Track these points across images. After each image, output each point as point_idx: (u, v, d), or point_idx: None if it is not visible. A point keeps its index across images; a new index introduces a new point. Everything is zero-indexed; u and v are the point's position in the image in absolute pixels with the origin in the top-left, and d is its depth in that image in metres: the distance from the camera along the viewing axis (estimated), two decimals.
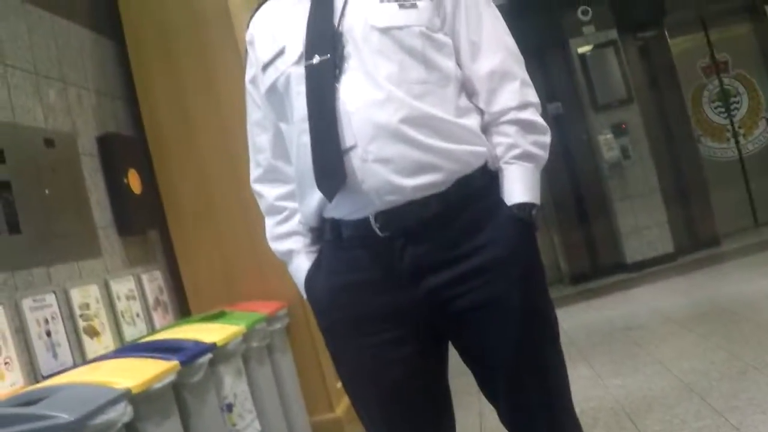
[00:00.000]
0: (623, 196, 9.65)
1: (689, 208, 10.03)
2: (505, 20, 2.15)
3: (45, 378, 3.23)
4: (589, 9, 9.72)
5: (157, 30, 4.84)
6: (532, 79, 2.12)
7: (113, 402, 2.54)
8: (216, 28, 4.77)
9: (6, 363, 3.13)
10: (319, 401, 4.71)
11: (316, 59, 1.95)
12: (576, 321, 7.71)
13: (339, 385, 4.63)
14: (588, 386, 5.17)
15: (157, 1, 4.85)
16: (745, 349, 5.12)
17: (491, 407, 2.15)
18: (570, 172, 9.98)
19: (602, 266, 9.97)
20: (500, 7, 2.20)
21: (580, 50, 9.77)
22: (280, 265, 2.34)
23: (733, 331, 5.74)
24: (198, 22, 4.80)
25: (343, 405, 4.75)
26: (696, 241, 9.93)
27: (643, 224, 9.60)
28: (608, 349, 6.27)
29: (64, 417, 2.36)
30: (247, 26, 2.26)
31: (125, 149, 4.58)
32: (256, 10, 2.26)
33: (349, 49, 1.95)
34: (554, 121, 9.34)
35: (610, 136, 9.57)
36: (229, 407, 3.55)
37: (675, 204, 9.89)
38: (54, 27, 4.18)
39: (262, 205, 2.30)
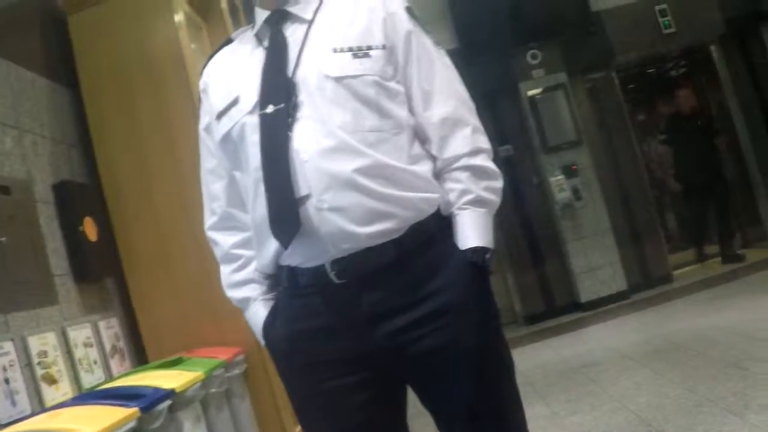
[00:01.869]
0: (576, 237, 9.74)
1: (641, 247, 10.13)
2: (456, 65, 2.21)
3: (4, 426, 3.20)
4: (539, 53, 9.85)
5: (112, 78, 4.85)
6: (483, 123, 2.17)
7: None
8: (171, 76, 4.78)
9: None
10: None
11: (270, 108, 1.98)
12: (532, 361, 7.75)
13: (298, 430, 4.63)
14: (546, 425, 5.21)
15: (111, 49, 4.85)
16: (698, 383, 5.19)
17: None
18: (522, 213, 10.05)
19: (556, 306, 10.01)
20: (451, 52, 2.25)
21: (530, 93, 9.88)
22: (236, 311, 2.35)
23: (686, 366, 5.81)
24: (153, 70, 4.82)
25: None
26: (648, 279, 10.02)
27: (596, 263, 9.68)
28: (565, 387, 6.31)
29: None
30: (201, 74, 2.29)
31: (81, 196, 4.57)
32: (210, 57, 2.29)
33: (302, 97, 1.98)
34: (505, 164, 9.41)
35: (561, 177, 9.66)
36: None
37: (627, 243, 9.99)
38: (10, 74, 4.18)
39: (218, 253, 2.31)
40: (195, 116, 2.35)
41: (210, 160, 2.27)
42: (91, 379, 4.11)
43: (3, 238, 3.68)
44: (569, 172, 9.69)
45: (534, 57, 9.85)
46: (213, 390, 3.98)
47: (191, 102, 4.62)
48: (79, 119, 4.90)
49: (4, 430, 2.93)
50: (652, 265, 10.15)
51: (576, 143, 9.79)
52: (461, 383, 2.02)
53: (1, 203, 3.78)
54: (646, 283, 9.95)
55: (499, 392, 2.09)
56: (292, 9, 2.12)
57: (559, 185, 9.67)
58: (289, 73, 2.01)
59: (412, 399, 2.14)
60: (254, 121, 2.01)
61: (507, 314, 9.85)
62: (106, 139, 4.86)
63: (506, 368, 2.12)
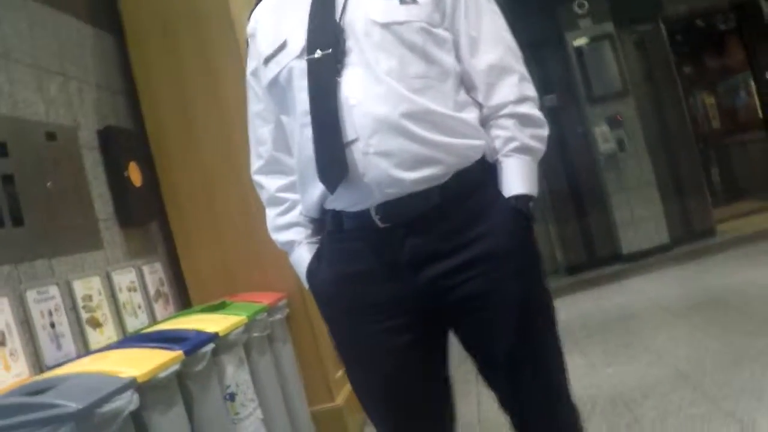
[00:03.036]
0: (619, 188, 9.67)
1: (684, 200, 10.05)
2: (502, 13, 2.19)
3: (50, 369, 3.25)
4: (585, 2, 9.73)
5: (156, 24, 4.86)
6: (528, 71, 2.16)
7: (120, 391, 2.56)
8: (216, 20, 4.78)
9: (11, 354, 3.16)
10: (320, 390, 4.74)
11: (318, 53, 1.98)
12: (572, 311, 7.74)
13: (339, 374, 4.68)
14: (584, 375, 5.21)
15: None
16: (738, 338, 5.17)
17: (489, 395, 2.20)
18: (566, 163, 9.99)
19: (598, 257, 9.98)
20: (497, 1, 2.23)
21: (576, 43, 9.78)
22: (280, 255, 2.37)
23: (726, 320, 5.79)
24: (198, 15, 4.82)
25: (343, 394, 4.79)
26: (691, 233, 9.95)
27: (638, 215, 9.62)
28: (603, 338, 6.31)
29: (72, 405, 2.38)
30: (248, 19, 2.29)
31: (126, 142, 4.60)
32: (257, 3, 2.28)
33: (350, 43, 1.98)
34: (550, 114, 9.31)
35: (605, 128, 9.59)
36: (232, 396, 3.58)
37: (670, 196, 9.91)
38: (55, 22, 4.20)
39: (263, 197, 2.33)
40: (239, 61, 2.37)
41: (257, 105, 2.27)
42: (135, 322, 4.17)
43: (49, 184, 3.72)
44: (614, 122, 9.61)
45: (581, 6, 9.73)
46: (256, 334, 4.02)
47: (236, 46, 4.63)
48: (124, 65, 4.93)
49: (50, 372, 2.97)
50: (695, 218, 10.07)
51: (621, 94, 9.68)
52: (503, 329, 2.03)
53: (47, 149, 3.82)
54: (688, 236, 9.88)
55: (541, 340, 2.10)
56: None
57: (603, 136, 9.60)
58: (337, 17, 2.00)
59: (454, 345, 2.16)
60: (302, 65, 2.01)
61: (548, 264, 9.81)
62: (151, 85, 4.88)
63: (548, 316, 2.13)
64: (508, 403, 2.15)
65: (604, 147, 9.59)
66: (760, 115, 13.03)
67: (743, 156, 13.39)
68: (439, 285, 1.99)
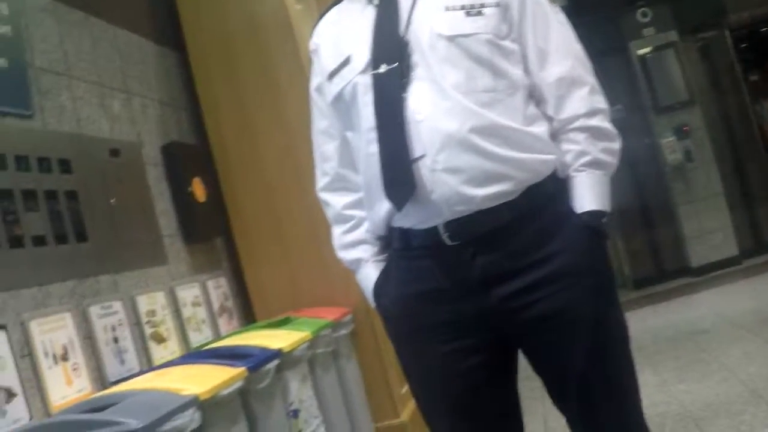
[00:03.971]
0: (687, 200, 9.54)
1: (754, 211, 9.88)
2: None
3: (112, 384, 3.25)
4: (649, 11, 9.63)
5: (218, 40, 4.88)
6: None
7: (182, 408, 2.55)
8: (277, 37, 4.79)
9: (74, 369, 3.16)
10: (384, 407, 4.71)
11: (383, 68, 1.95)
12: (640, 326, 7.65)
13: (404, 390, 4.64)
14: (654, 392, 5.13)
15: (218, 11, 4.88)
16: None
17: (555, 412, 2.15)
18: (632, 175, 9.87)
19: (666, 270, 9.85)
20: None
21: (640, 52, 9.68)
22: (344, 271, 2.34)
23: None
24: (259, 32, 4.83)
25: (408, 410, 4.75)
26: (761, 245, 9.78)
27: (707, 228, 9.48)
28: (674, 354, 6.21)
29: (134, 423, 2.37)
30: (311, 35, 2.27)
31: (189, 158, 4.62)
32: (320, 18, 2.27)
33: (415, 57, 1.95)
34: (616, 125, 9.22)
35: (672, 139, 9.47)
36: (295, 413, 3.56)
37: (739, 207, 9.75)
38: (117, 39, 4.23)
39: (329, 214, 2.31)
40: (301, 77, 2.35)
41: (322, 121, 2.26)
42: (199, 337, 4.17)
43: (113, 200, 3.73)
44: (681, 133, 9.49)
45: (644, 15, 9.63)
46: (320, 350, 3.99)
47: (297, 63, 4.62)
48: (187, 82, 4.95)
49: (113, 388, 2.97)
50: (764, 230, 9.90)
51: (688, 103, 9.56)
52: (575, 350, 1.98)
53: (111, 165, 3.83)
54: (758, 248, 9.72)
55: (613, 361, 2.05)
56: None
57: (670, 147, 9.48)
58: (401, 31, 1.97)
59: (520, 362, 2.11)
60: (367, 80, 1.98)
61: (616, 278, 9.69)
62: (214, 101, 4.90)
63: (621, 336, 2.08)
64: (578, 425, 2.11)
65: (671, 158, 9.47)
66: None
67: None
68: (510, 304, 1.95)
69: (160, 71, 4.68)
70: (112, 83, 4.06)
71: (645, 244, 9.96)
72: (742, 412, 4.31)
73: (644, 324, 7.79)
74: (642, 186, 9.94)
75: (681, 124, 9.51)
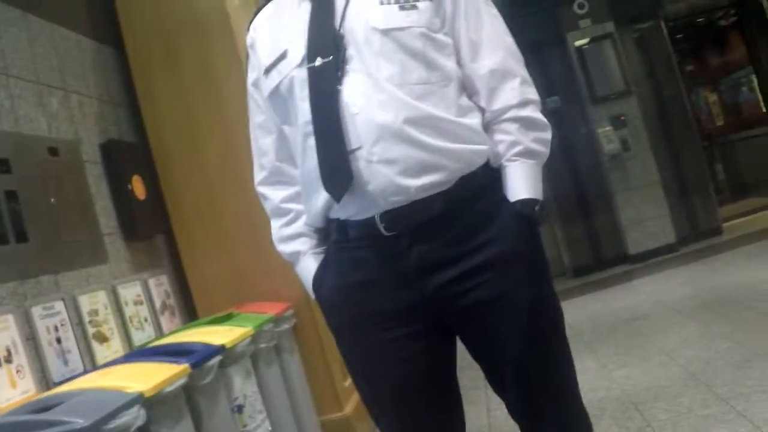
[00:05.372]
0: (624, 188, 9.65)
1: (690, 199, 10.02)
2: (503, 15, 2.18)
3: (57, 385, 3.24)
4: (585, 2, 9.72)
5: (157, 36, 4.86)
6: (530, 74, 2.15)
7: (127, 406, 2.55)
8: (216, 32, 4.78)
9: (18, 371, 3.15)
10: (328, 400, 4.73)
11: (318, 62, 1.97)
12: (580, 313, 7.74)
13: (347, 383, 4.66)
14: (594, 377, 5.20)
15: (156, 7, 4.86)
16: (748, 337, 5.16)
17: (498, 401, 2.19)
18: (570, 165, 9.96)
19: (605, 258, 9.96)
20: (497, 2, 2.22)
21: (577, 43, 9.77)
22: (285, 265, 2.36)
23: (735, 319, 5.77)
24: (197, 27, 4.82)
25: (352, 403, 4.77)
26: (697, 232, 9.92)
27: (644, 215, 9.60)
28: (613, 340, 6.29)
29: (79, 422, 2.37)
30: (248, 29, 2.28)
31: (128, 156, 4.60)
32: (256, 13, 2.28)
33: (350, 51, 1.97)
34: (553, 115, 9.32)
35: (609, 128, 9.57)
36: (240, 408, 3.57)
37: (675, 195, 9.89)
38: (55, 36, 4.20)
39: (268, 208, 2.32)
40: (240, 72, 2.36)
41: (259, 115, 2.27)
42: (141, 336, 4.16)
43: (53, 199, 3.71)
44: (617, 123, 9.59)
45: (581, 7, 9.72)
46: (263, 345, 4.01)
47: (237, 58, 4.62)
48: (125, 79, 4.93)
49: (57, 389, 2.96)
50: (701, 217, 10.05)
51: (624, 94, 9.67)
52: (511, 335, 2.01)
53: (49, 164, 3.81)
54: (694, 235, 9.86)
55: (549, 345, 2.09)
56: None
57: (607, 136, 9.58)
58: (337, 25, 1.99)
59: (461, 351, 2.14)
60: (303, 74, 2.00)
61: (555, 266, 9.79)
62: (153, 98, 4.88)
63: (556, 321, 2.11)
64: (517, 409, 2.14)
65: (608, 147, 9.57)
66: (764, 110, 13.01)
67: (748, 152, 13.36)
68: (446, 292, 1.98)
69: (98, 68, 4.66)
70: (49, 81, 4.03)
71: (583, 233, 10.07)
72: (680, 395, 4.39)
73: (584, 311, 7.89)
74: (579, 175, 10.05)
75: (618, 114, 9.62)
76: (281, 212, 2.27)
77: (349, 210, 1.99)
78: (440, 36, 2.02)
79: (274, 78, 2.09)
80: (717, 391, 4.26)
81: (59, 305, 3.56)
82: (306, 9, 2.07)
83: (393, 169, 1.90)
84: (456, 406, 2.18)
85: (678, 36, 12.17)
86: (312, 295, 2.21)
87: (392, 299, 2.01)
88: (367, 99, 1.91)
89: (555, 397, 2.09)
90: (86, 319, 3.74)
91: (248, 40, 2.26)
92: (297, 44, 2.03)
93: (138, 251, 4.49)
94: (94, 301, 3.84)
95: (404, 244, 1.96)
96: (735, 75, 14.36)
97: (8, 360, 3.11)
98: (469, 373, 2.34)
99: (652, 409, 4.30)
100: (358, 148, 1.90)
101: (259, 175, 2.32)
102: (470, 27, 2.07)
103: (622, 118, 9.61)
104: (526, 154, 2.05)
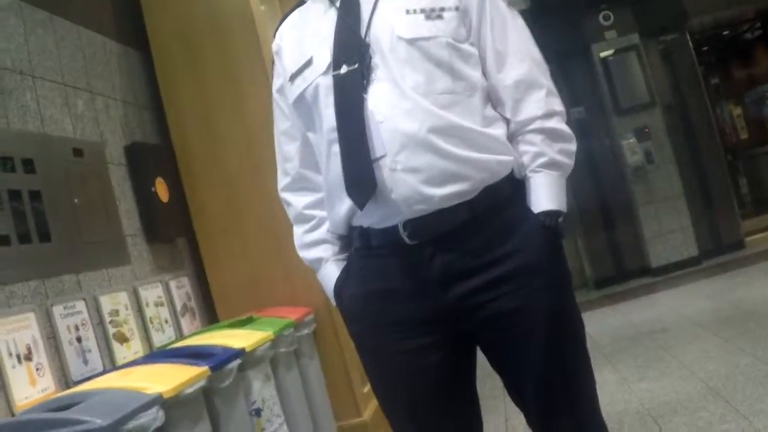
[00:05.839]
0: (647, 201, 9.63)
1: (713, 212, 9.98)
2: (528, 26, 2.17)
3: (76, 384, 3.25)
4: (611, 14, 9.71)
5: (182, 40, 4.88)
6: (555, 85, 2.15)
7: (145, 407, 2.56)
8: (241, 37, 4.79)
9: (37, 369, 3.16)
10: (346, 406, 4.73)
11: (344, 69, 1.98)
12: (601, 325, 7.71)
13: (366, 389, 4.66)
14: (614, 390, 5.18)
15: (182, 11, 4.88)
16: None
17: (517, 411, 2.18)
18: (593, 176, 9.95)
19: (627, 270, 9.95)
20: (523, 12, 2.22)
21: (602, 55, 9.76)
22: (306, 271, 2.36)
23: (757, 334, 5.74)
24: (223, 32, 4.83)
25: (370, 409, 4.77)
26: (720, 245, 9.88)
27: (667, 228, 9.58)
28: (633, 353, 6.26)
29: (98, 422, 2.38)
30: (274, 36, 2.29)
31: (152, 158, 4.61)
32: (283, 20, 2.28)
33: (376, 59, 1.97)
34: (577, 126, 9.30)
35: (633, 140, 9.56)
36: (258, 412, 3.57)
37: (699, 208, 9.85)
38: (81, 39, 4.22)
39: (291, 214, 2.33)
40: (265, 78, 2.36)
41: (284, 122, 2.28)
42: (161, 337, 4.17)
43: (76, 200, 3.73)
44: (642, 134, 9.58)
45: (606, 18, 9.72)
46: (282, 350, 4.01)
47: (261, 64, 4.63)
48: (150, 81, 4.95)
49: (76, 388, 2.97)
50: (724, 230, 10.02)
51: (649, 105, 9.66)
52: (532, 346, 2.01)
53: (74, 165, 3.82)
54: (717, 249, 9.83)
55: (570, 357, 2.08)
56: None
57: (631, 148, 9.57)
58: (362, 33, 2.00)
59: (481, 361, 2.14)
60: (328, 82, 2.01)
61: (577, 278, 9.78)
62: (177, 101, 4.90)
63: (577, 333, 2.11)
64: (535, 421, 2.13)
65: (632, 159, 9.56)
66: None
67: None
68: (467, 302, 1.98)
69: (124, 71, 4.68)
70: (75, 83, 4.05)
71: (606, 245, 10.05)
72: (700, 410, 4.37)
73: (604, 323, 7.86)
74: (603, 187, 10.03)
75: (642, 126, 9.61)
76: (304, 218, 2.27)
77: (372, 218, 1.99)
78: (466, 46, 2.02)
79: (299, 85, 2.10)
80: (737, 407, 4.24)
81: (80, 305, 3.57)
82: (332, 17, 2.07)
83: (417, 177, 1.90)
84: (474, 418, 2.18)
85: (703, 48, 12.14)
86: (333, 302, 2.21)
87: (413, 308, 2.01)
88: (392, 107, 1.92)
89: (574, 410, 2.08)
90: (107, 319, 3.75)
91: (274, 47, 2.27)
92: (323, 51, 2.04)
93: (160, 253, 4.50)
94: (115, 302, 3.86)
95: (427, 253, 1.96)
96: (760, 88, 14.30)
97: (28, 358, 3.13)
98: (488, 383, 2.34)
99: (671, 423, 4.28)
100: (383, 157, 1.91)
101: (282, 181, 2.33)
102: (496, 37, 2.07)
103: (647, 130, 9.60)
104: (551, 165, 2.05)
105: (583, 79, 9.91)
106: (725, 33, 13.05)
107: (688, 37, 10.33)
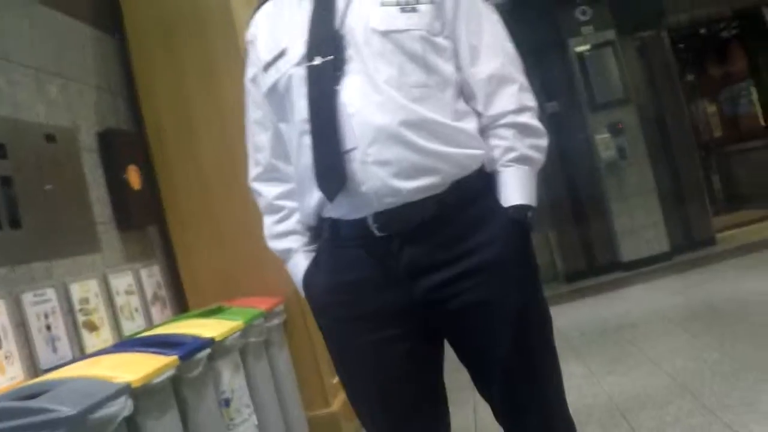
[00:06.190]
0: (619, 196, 9.66)
1: (685, 208, 10.03)
2: (504, 20, 2.18)
3: (45, 372, 3.24)
4: (588, 9, 9.73)
5: (158, 26, 4.86)
6: (530, 79, 2.15)
7: (114, 396, 2.55)
8: (217, 24, 4.78)
9: (6, 357, 3.15)
10: (316, 396, 4.74)
11: (317, 60, 1.97)
12: (570, 319, 7.74)
13: (335, 380, 4.66)
14: (582, 384, 5.20)
15: None
16: (737, 349, 5.17)
17: (485, 404, 2.18)
18: (566, 170, 9.96)
19: (598, 265, 9.98)
20: (499, 7, 2.22)
21: (579, 50, 9.77)
22: (277, 261, 2.36)
23: (726, 331, 5.78)
24: (199, 19, 4.82)
25: (339, 400, 4.78)
26: (691, 241, 9.94)
27: (638, 223, 9.61)
28: (602, 347, 6.30)
29: (65, 410, 2.37)
30: (249, 25, 2.28)
31: (125, 145, 4.59)
32: (257, 9, 2.28)
33: (350, 51, 1.97)
34: (551, 120, 9.32)
35: (607, 135, 9.58)
36: (227, 402, 3.57)
37: (671, 204, 9.89)
38: (55, 23, 4.19)
39: (261, 204, 2.32)
40: (240, 66, 2.35)
41: (256, 112, 2.27)
42: (131, 326, 4.16)
43: (47, 186, 3.71)
44: (615, 130, 9.60)
45: (583, 13, 9.73)
46: (252, 339, 4.01)
47: (236, 52, 4.62)
48: (125, 68, 4.93)
49: (45, 376, 2.96)
50: (695, 227, 10.06)
51: (623, 101, 9.68)
52: (498, 339, 2.02)
53: (46, 151, 3.81)
54: (689, 245, 9.87)
55: (536, 350, 2.09)
56: None
57: (604, 143, 9.59)
58: (337, 25, 1.99)
59: (449, 354, 2.15)
60: (301, 73, 2.00)
61: (548, 271, 9.82)
62: (151, 88, 4.88)
63: (544, 327, 2.12)
64: (502, 414, 2.14)
65: (605, 154, 9.58)
66: (762, 123, 13.04)
67: (744, 164, 13.40)
68: (435, 295, 1.98)
69: (98, 56, 4.65)
70: (48, 68, 4.03)
71: (577, 239, 10.08)
72: (668, 404, 4.40)
73: (575, 317, 7.89)
74: (575, 181, 10.05)
75: (616, 122, 9.63)
76: (274, 209, 2.26)
77: (342, 209, 1.99)
78: (440, 39, 2.02)
79: (273, 75, 2.09)
80: (704, 402, 4.27)
81: (50, 292, 3.56)
82: (307, 7, 2.07)
83: (387, 170, 1.90)
84: (441, 409, 2.19)
85: (679, 46, 12.19)
86: (302, 293, 2.21)
87: (381, 300, 2.01)
88: (365, 100, 1.92)
89: (539, 403, 2.09)
90: (77, 307, 3.74)
91: (248, 35, 2.26)
92: (297, 42, 2.04)
93: (131, 241, 4.49)
94: (85, 290, 3.84)
95: (396, 245, 1.97)
96: (735, 87, 14.39)
97: None
98: (456, 376, 2.34)
99: (639, 417, 4.31)
100: (353, 149, 1.91)
101: (253, 171, 2.32)
102: (470, 31, 2.07)
103: (620, 125, 9.62)
104: (521, 160, 2.06)
105: (559, 74, 9.91)
106: (702, 31, 13.12)
107: (665, 35, 10.37)
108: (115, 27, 4.87)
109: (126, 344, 3.52)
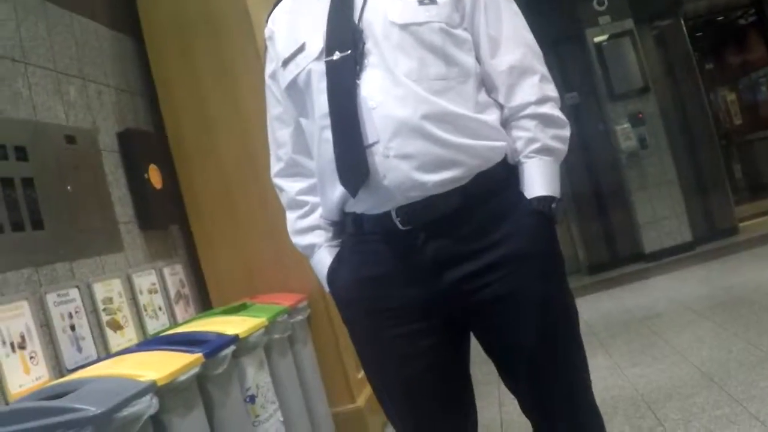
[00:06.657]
0: (641, 186, 9.62)
1: (707, 198, 9.99)
2: (522, 11, 2.17)
3: (70, 372, 3.25)
4: None
5: (175, 26, 4.86)
6: (549, 70, 2.14)
7: (139, 395, 2.55)
8: (234, 23, 4.78)
9: (31, 357, 3.16)
10: (341, 392, 4.74)
11: (336, 55, 1.96)
12: (594, 310, 7.72)
13: (360, 375, 4.67)
14: (607, 375, 5.18)
15: None
16: (763, 338, 5.12)
17: (511, 397, 2.18)
18: (587, 162, 9.94)
19: (620, 256, 9.95)
20: (517, 0, 2.21)
21: (597, 40, 9.73)
22: (300, 257, 2.36)
23: (751, 320, 5.74)
24: (216, 18, 4.82)
25: (364, 395, 4.78)
26: (713, 231, 9.89)
27: (660, 214, 9.57)
28: (627, 338, 6.27)
29: (92, 410, 2.37)
30: (266, 21, 2.28)
31: (145, 145, 4.61)
32: (276, 5, 2.27)
33: (369, 45, 1.96)
34: (571, 111, 9.30)
35: (627, 125, 9.53)
36: (252, 398, 3.57)
37: (692, 194, 9.85)
38: (73, 25, 4.21)
39: (284, 200, 2.32)
40: (258, 64, 2.35)
41: (276, 107, 2.27)
42: (155, 324, 4.17)
43: (69, 187, 3.72)
44: (635, 120, 9.55)
45: (600, 3, 9.69)
46: (276, 336, 4.01)
47: (254, 49, 4.62)
48: (143, 68, 4.94)
49: (70, 376, 2.97)
50: (717, 216, 10.02)
51: (643, 91, 9.63)
52: (524, 332, 2.01)
53: (66, 152, 3.82)
54: (711, 234, 9.83)
55: (562, 342, 2.08)
56: None
57: (625, 134, 9.54)
58: (356, 19, 1.99)
59: (475, 347, 2.14)
60: (321, 68, 2.00)
61: (571, 263, 9.78)
62: (170, 88, 4.89)
63: (570, 318, 2.10)
64: (529, 406, 2.14)
65: (626, 145, 9.53)
66: None
67: (766, 152, 13.32)
68: (460, 288, 1.97)
69: (117, 57, 4.66)
70: (68, 70, 4.04)
71: (599, 230, 10.06)
72: (693, 395, 4.37)
73: (598, 309, 7.86)
74: (596, 172, 10.03)
75: (636, 111, 9.58)
76: (297, 204, 2.27)
77: (365, 204, 1.99)
78: (459, 31, 2.01)
79: (292, 70, 2.09)
80: (730, 392, 4.25)
81: (74, 292, 3.57)
82: (325, 2, 2.06)
83: (410, 164, 1.89)
84: (468, 403, 2.18)
85: (697, 34, 12.12)
86: (326, 288, 2.21)
87: (405, 294, 2.01)
88: (385, 94, 1.91)
89: (566, 395, 2.08)
90: (100, 306, 3.75)
91: (267, 32, 2.26)
92: (315, 37, 2.03)
93: (153, 240, 4.50)
94: (108, 289, 3.86)
95: (420, 239, 1.96)
96: (754, 74, 14.31)
97: (22, 346, 3.13)
98: (482, 368, 2.34)
99: (665, 408, 4.29)
100: (375, 143, 1.90)
101: (275, 167, 2.33)
102: (490, 23, 2.06)
103: (641, 115, 9.58)
104: (544, 151, 2.05)
105: (578, 65, 9.88)
106: (719, 19, 13.04)
107: (683, 23, 10.32)
108: (132, 28, 4.88)
109: (150, 343, 3.53)
